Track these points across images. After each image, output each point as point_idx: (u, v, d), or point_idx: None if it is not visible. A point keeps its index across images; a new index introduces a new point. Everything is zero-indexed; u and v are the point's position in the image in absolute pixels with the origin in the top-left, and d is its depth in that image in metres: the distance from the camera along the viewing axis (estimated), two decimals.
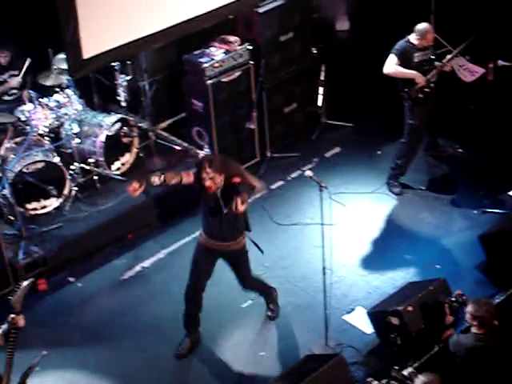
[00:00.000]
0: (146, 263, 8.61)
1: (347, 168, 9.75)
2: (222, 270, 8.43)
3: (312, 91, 10.29)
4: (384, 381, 6.67)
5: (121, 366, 7.38)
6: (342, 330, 7.64)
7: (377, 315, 7.37)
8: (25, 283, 6.01)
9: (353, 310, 7.88)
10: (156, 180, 6.73)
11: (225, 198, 6.88)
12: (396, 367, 6.63)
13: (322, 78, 10.27)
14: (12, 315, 5.90)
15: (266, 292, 7.80)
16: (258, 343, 7.63)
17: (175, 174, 6.90)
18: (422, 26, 8.69)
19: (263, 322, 7.84)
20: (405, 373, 6.52)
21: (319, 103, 10.35)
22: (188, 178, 6.90)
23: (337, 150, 10.16)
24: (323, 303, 7.33)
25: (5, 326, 5.97)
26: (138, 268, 8.55)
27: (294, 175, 9.73)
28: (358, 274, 8.29)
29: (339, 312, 7.79)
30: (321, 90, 10.29)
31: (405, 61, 8.70)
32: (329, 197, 7.23)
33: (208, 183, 6.78)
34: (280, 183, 9.64)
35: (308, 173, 7.10)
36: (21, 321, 5.91)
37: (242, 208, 6.64)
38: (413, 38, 8.72)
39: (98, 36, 8.15)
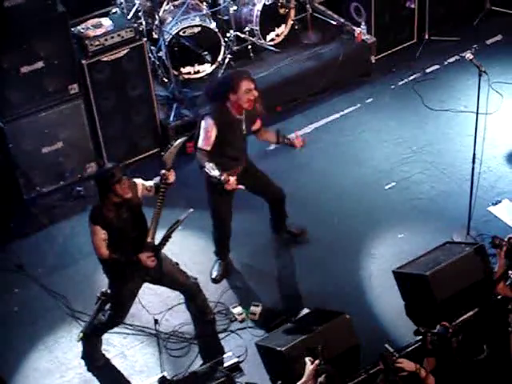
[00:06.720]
0: (293, 136, 8.61)
1: (508, 57, 9.33)
2: (369, 148, 8.43)
3: None
4: None
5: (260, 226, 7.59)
6: (486, 221, 7.51)
7: None
8: (177, 142, 6.19)
9: (499, 202, 7.71)
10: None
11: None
12: None
13: None
14: (163, 171, 6.11)
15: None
16: (398, 225, 7.61)
17: None
18: None
19: (404, 204, 7.80)
20: None
21: None
22: None
23: (498, 37, 9.74)
24: (469, 192, 7.19)
25: (157, 180, 6.20)
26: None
27: (451, 60, 9.41)
28: (508, 167, 8.06)
29: (484, 203, 7.63)
30: None
31: None
32: (488, 84, 6.97)
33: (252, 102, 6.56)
34: (436, 67, 9.35)
35: (469, 55, 6.82)
36: (171, 176, 6.12)
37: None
38: None
39: None
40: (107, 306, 6.38)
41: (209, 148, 6.55)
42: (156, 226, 6.15)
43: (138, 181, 6.22)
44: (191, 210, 6.27)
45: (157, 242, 6.21)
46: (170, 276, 6.43)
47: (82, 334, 6.57)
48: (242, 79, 6.57)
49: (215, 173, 6.42)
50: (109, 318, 6.43)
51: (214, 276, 7.26)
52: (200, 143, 6.58)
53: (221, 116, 6.58)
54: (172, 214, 6.44)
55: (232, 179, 6.44)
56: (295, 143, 7.01)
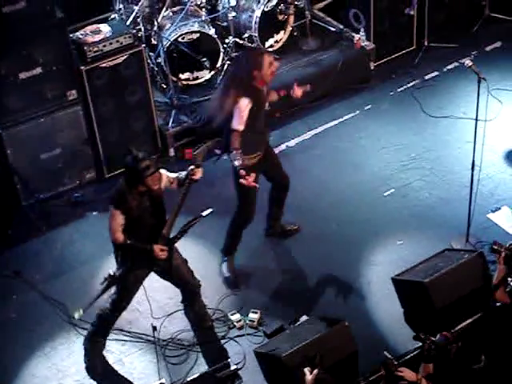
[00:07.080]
0: (292, 143, 8.64)
1: (508, 64, 9.33)
2: (368, 155, 8.42)
3: None
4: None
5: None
6: (485, 228, 7.49)
7: None
8: (210, 141, 6.40)
9: (498, 208, 7.69)
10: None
11: None
12: None
13: None
14: (192, 166, 6.20)
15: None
16: (397, 232, 7.59)
17: None
18: None
19: (403, 211, 7.78)
20: None
21: None
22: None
23: (498, 44, 9.75)
24: (468, 199, 7.17)
25: (182, 174, 6.29)
26: (282, 147, 8.60)
27: (450, 67, 9.42)
28: (508, 174, 8.05)
29: (484, 210, 7.61)
30: None
31: None
32: (487, 91, 6.99)
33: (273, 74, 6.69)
34: (435, 74, 9.35)
35: (468, 62, 6.83)
36: (198, 173, 6.22)
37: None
38: None
39: None
40: (112, 290, 6.36)
41: (242, 127, 6.58)
42: (174, 220, 6.24)
43: (163, 171, 6.27)
44: (211, 209, 6.36)
45: (172, 235, 6.27)
46: (177, 270, 6.46)
47: (82, 311, 6.49)
48: (263, 54, 6.68)
49: (236, 162, 6.51)
50: (112, 303, 6.41)
51: (226, 275, 7.27)
52: (234, 124, 6.60)
53: (252, 94, 6.62)
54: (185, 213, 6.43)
55: (251, 177, 6.50)
56: (293, 92, 7.02)
